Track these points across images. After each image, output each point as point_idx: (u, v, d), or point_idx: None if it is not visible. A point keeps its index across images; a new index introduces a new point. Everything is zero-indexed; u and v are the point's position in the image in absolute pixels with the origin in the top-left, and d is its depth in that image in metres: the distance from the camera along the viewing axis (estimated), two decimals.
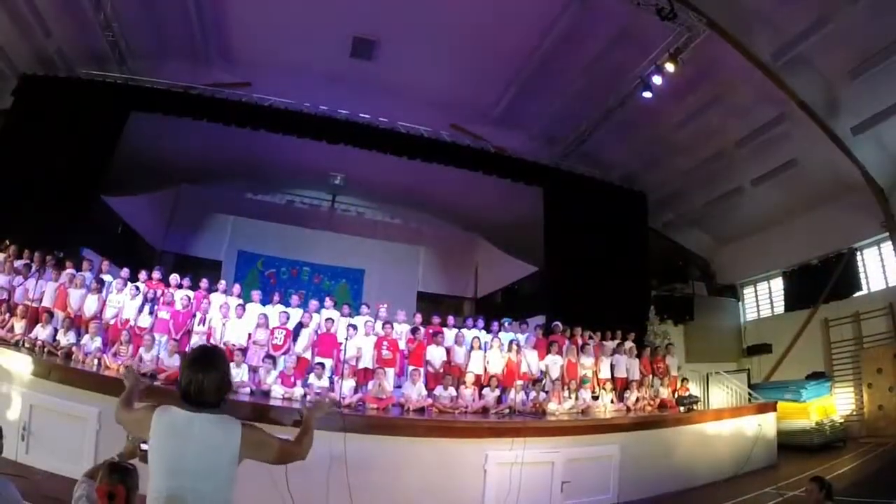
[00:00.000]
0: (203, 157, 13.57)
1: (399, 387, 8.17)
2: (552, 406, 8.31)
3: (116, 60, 11.01)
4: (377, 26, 10.95)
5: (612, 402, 9.18)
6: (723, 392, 12.47)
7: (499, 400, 8.23)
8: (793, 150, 11.41)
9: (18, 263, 8.32)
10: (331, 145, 11.72)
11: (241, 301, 8.92)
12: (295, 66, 11.74)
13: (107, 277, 8.76)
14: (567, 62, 11.10)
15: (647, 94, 10.53)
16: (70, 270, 8.48)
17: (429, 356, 8.77)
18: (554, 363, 9.18)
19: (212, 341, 7.96)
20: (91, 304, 8.18)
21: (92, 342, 7.45)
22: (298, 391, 7.46)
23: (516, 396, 8.18)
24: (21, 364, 6.14)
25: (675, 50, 9.63)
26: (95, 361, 7.05)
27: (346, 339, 7.88)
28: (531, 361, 9.22)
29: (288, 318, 8.60)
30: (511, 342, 9.25)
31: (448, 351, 8.99)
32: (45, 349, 7.13)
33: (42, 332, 7.37)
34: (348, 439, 5.57)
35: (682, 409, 9.06)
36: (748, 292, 14.93)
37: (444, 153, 12.17)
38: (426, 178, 13.22)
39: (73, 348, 7.33)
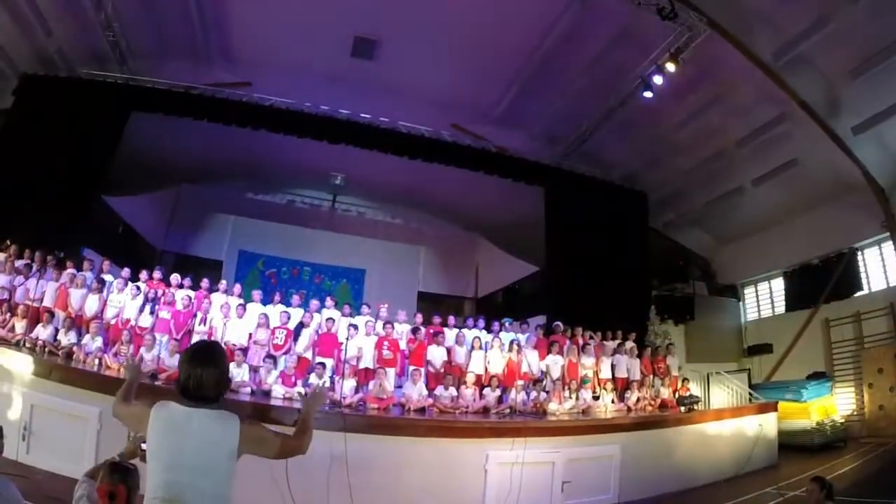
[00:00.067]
0: (204, 156, 13.58)
1: (400, 387, 8.17)
2: (553, 406, 8.31)
3: (117, 60, 11.01)
4: (378, 26, 10.94)
5: (612, 402, 9.18)
6: (723, 392, 12.46)
7: (499, 400, 8.23)
8: (793, 150, 11.40)
9: (19, 263, 8.32)
10: (331, 145, 11.73)
11: (241, 301, 8.92)
12: (296, 65, 11.74)
13: (108, 277, 8.76)
14: (568, 62, 11.09)
15: (648, 94, 10.52)
16: (71, 270, 8.48)
17: (429, 356, 8.77)
18: (555, 363, 9.18)
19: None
20: (92, 304, 8.18)
21: (93, 342, 7.45)
22: (299, 391, 7.45)
23: (517, 396, 8.18)
24: (22, 364, 6.15)
25: (675, 50, 9.62)
26: (96, 361, 7.05)
27: (347, 338, 7.88)
28: (532, 361, 9.22)
29: (289, 318, 8.60)
30: (512, 342, 9.25)
31: (449, 351, 8.99)
32: (46, 349, 7.13)
33: (43, 332, 7.37)
34: (349, 439, 5.57)
35: (682, 409, 9.05)
36: (749, 292, 14.92)
37: (444, 153, 12.17)
38: (427, 177, 13.22)
39: (74, 348, 7.33)
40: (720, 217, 14.13)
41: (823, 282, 12.27)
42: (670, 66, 9.76)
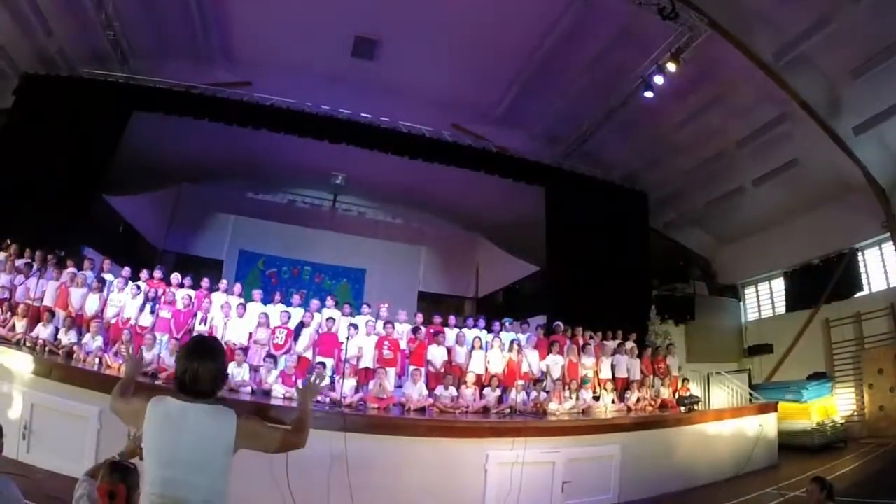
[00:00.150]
0: (204, 156, 13.59)
1: (400, 386, 8.17)
2: (553, 406, 8.31)
3: (118, 60, 11.02)
4: (378, 26, 10.95)
5: (612, 402, 9.17)
6: (724, 392, 12.46)
7: (500, 400, 8.23)
8: (794, 150, 11.40)
9: (20, 262, 8.32)
10: (332, 145, 11.73)
11: (242, 300, 8.92)
12: (296, 65, 11.74)
13: (108, 277, 8.76)
14: (568, 62, 11.09)
15: (649, 94, 10.53)
16: (71, 269, 8.49)
17: (430, 356, 8.77)
18: (555, 363, 9.19)
19: None
20: (92, 304, 8.18)
21: (93, 341, 7.45)
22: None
23: (517, 396, 8.18)
24: (22, 363, 6.15)
25: (676, 50, 9.62)
26: (96, 361, 7.06)
27: (348, 338, 7.89)
28: (532, 361, 9.22)
29: (289, 318, 8.60)
30: (512, 342, 9.25)
31: (449, 351, 8.99)
32: (47, 348, 7.13)
33: (43, 332, 7.37)
34: (349, 439, 5.57)
35: (682, 409, 9.05)
36: (749, 292, 14.92)
37: (445, 153, 12.18)
38: (427, 177, 13.23)
39: (75, 347, 7.33)
40: (721, 217, 14.13)
41: (824, 282, 12.26)
42: (671, 66, 9.76)
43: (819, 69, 9.74)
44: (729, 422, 8.82)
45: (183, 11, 10.51)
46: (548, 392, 8.65)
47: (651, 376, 9.74)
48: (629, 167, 13.84)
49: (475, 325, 9.86)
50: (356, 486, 5.44)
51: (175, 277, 8.98)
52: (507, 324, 10.03)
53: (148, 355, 7.36)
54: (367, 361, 8.32)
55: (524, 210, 13.46)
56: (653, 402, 9.22)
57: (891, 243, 11.01)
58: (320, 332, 8.55)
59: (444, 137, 12.27)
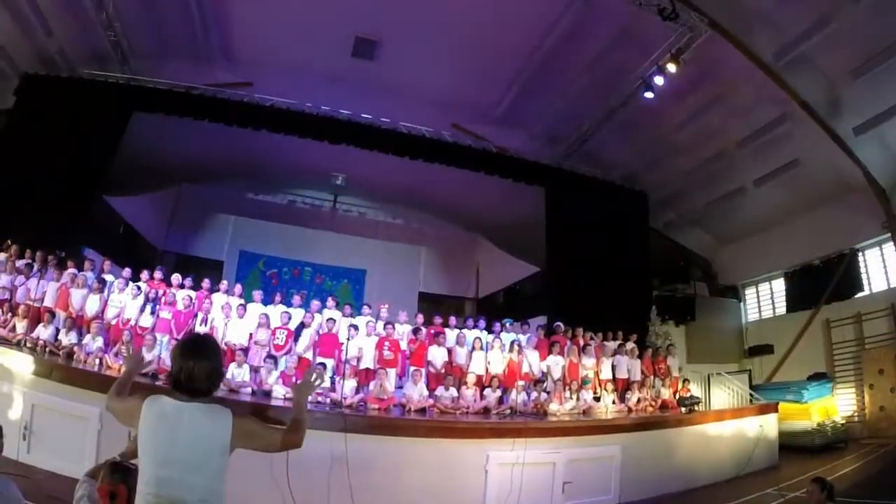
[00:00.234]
0: (204, 157, 13.58)
1: (400, 387, 8.17)
2: (553, 406, 8.30)
3: (118, 60, 11.02)
4: (378, 26, 10.95)
5: (613, 402, 9.16)
6: (724, 393, 12.46)
7: (500, 400, 8.23)
8: (794, 151, 11.40)
9: (20, 263, 8.32)
10: (332, 145, 11.73)
11: (242, 301, 8.92)
12: (296, 65, 11.74)
13: (108, 277, 8.77)
14: (568, 62, 11.10)
15: (649, 95, 10.53)
16: (72, 270, 8.48)
17: (430, 356, 8.77)
18: (555, 364, 9.18)
19: None
20: (93, 304, 8.18)
21: (93, 342, 7.45)
22: None
23: (517, 397, 8.16)
24: (23, 364, 6.15)
25: (676, 50, 9.62)
26: (97, 361, 7.05)
27: (348, 339, 7.89)
28: (532, 362, 9.22)
29: (289, 319, 8.60)
30: (512, 342, 9.25)
31: (449, 351, 9.00)
32: (47, 349, 7.12)
33: (44, 332, 7.37)
34: (349, 440, 5.57)
35: (683, 409, 9.04)
36: (750, 293, 14.92)
37: (445, 153, 12.17)
38: (428, 178, 13.22)
39: (75, 348, 7.33)
40: (721, 217, 14.13)
41: (824, 282, 12.26)
42: (671, 67, 9.76)
43: (819, 69, 9.74)
44: (729, 422, 8.82)
45: (183, 11, 10.51)
46: (548, 393, 8.65)
47: (651, 377, 9.74)
48: (629, 167, 13.83)
49: (476, 326, 9.86)
50: (356, 486, 5.43)
51: (175, 278, 8.99)
52: (507, 324, 10.04)
53: (148, 356, 7.35)
54: (368, 362, 8.32)
55: (524, 210, 13.45)
56: (653, 403, 9.22)
57: (891, 243, 11.01)
58: (321, 332, 8.55)
59: (444, 138, 12.27)
